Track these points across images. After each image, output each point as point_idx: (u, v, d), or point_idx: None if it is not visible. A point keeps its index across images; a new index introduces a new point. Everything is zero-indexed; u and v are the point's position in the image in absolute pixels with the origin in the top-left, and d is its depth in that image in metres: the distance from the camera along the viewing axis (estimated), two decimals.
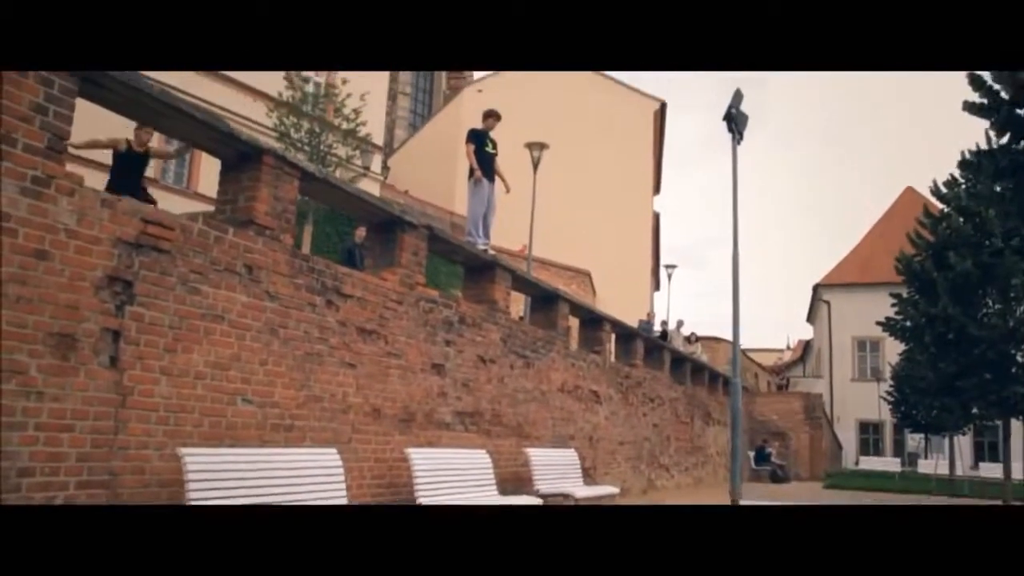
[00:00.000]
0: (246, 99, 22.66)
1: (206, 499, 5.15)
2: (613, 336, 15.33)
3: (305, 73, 19.72)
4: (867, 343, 42.18)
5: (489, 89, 36.54)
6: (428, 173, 38.03)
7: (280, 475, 5.88)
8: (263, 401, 6.41)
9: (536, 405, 11.16)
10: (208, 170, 18.76)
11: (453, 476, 8.14)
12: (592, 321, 14.22)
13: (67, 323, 4.81)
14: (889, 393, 33.04)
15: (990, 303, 16.38)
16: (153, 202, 6.83)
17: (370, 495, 7.66)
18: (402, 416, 8.22)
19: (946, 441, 32.86)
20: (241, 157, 6.27)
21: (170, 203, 18.78)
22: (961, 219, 16.26)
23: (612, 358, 15.30)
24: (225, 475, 5.36)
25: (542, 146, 18.71)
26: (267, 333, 6.41)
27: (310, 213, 17.75)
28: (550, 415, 11.63)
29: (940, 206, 17.23)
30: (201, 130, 5.96)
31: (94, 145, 8.46)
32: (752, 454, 25.17)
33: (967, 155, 15.84)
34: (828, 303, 43.60)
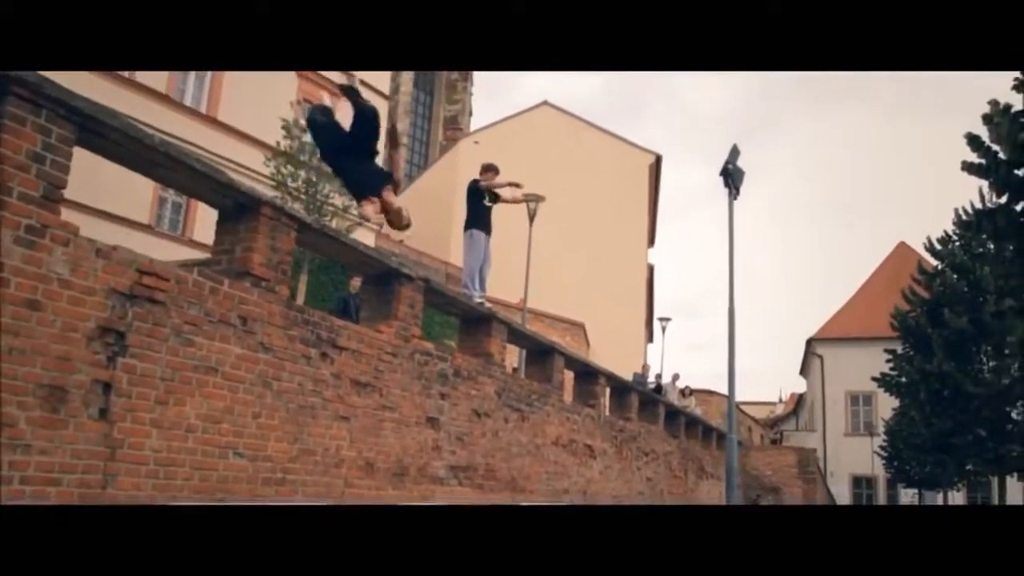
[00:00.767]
0: (244, 147, 22.74)
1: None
2: (608, 389, 15.23)
3: (302, 122, 19.80)
4: (860, 397, 42.08)
5: (485, 141, 36.88)
6: (423, 223, 37.87)
7: None
8: (255, 454, 6.28)
9: (530, 459, 11.02)
10: (204, 217, 18.78)
11: None
12: (587, 374, 14.13)
13: (58, 375, 4.72)
14: (882, 448, 32.90)
15: (984, 360, 16.38)
16: None
17: None
18: (395, 470, 8.08)
19: (940, 497, 32.62)
20: (239, 208, 6.24)
21: (165, 251, 18.74)
22: (955, 276, 16.34)
23: (606, 411, 15.18)
24: None
25: (538, 198, 18.77)
26: (260, 386, 6.32)
27: (305, 263, 17.70)
28: (544, 469, 11.49)
29: (934, 262, 17.31)
30: (200, 181, 5.93)
31: None
32: None
33: (963, 214, 16.00)
34: (821, 357, 43.57)
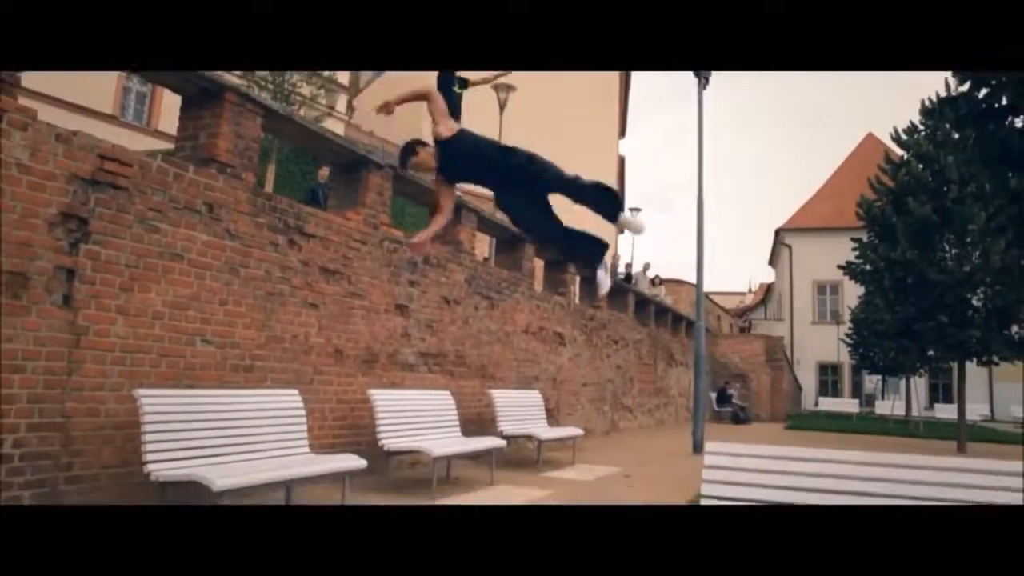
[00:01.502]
0: None
1: (162, 441, 5.07)
2: (578, 278, 15.38)
3: None
4: (827, 287, 42.83)
5: None
6: (396, 112, 37.35)
7: (240, 417, 5.82)
8: (223, 341, 6.36)
9: (500, 346, 11.21)
10: (169, 107, 18.29)
11: (416, 417, 8.13)
12: (557, 263, 14.24)
13: (19, 261, 4.71)
14: (848, 336, 33.64)
15: (947, 248, 16.65)
16: None
17: (332, 436, 7.68)
18: (365, 357, 8.21)
19: (902, 383, 33.65)
20: (203, 94, 6.11)
21: (129, 141, 18.34)
22: (920, 165, 16.45)
23: (576, 300, 15.38)
24: (183, 417, 5.28)
25: (509, 88, 18.48)
26: (227, 273, 6.34)
27: (273, 152, 17.40)
28: (514, 356, 11.71)
29: (900, 152, 17.38)
30: None
31: None
32: (714, 396, 25.60)
33: (927, 103, 15.97)
34: (790, 247, 44.08)
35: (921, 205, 15.39)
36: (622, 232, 10.41)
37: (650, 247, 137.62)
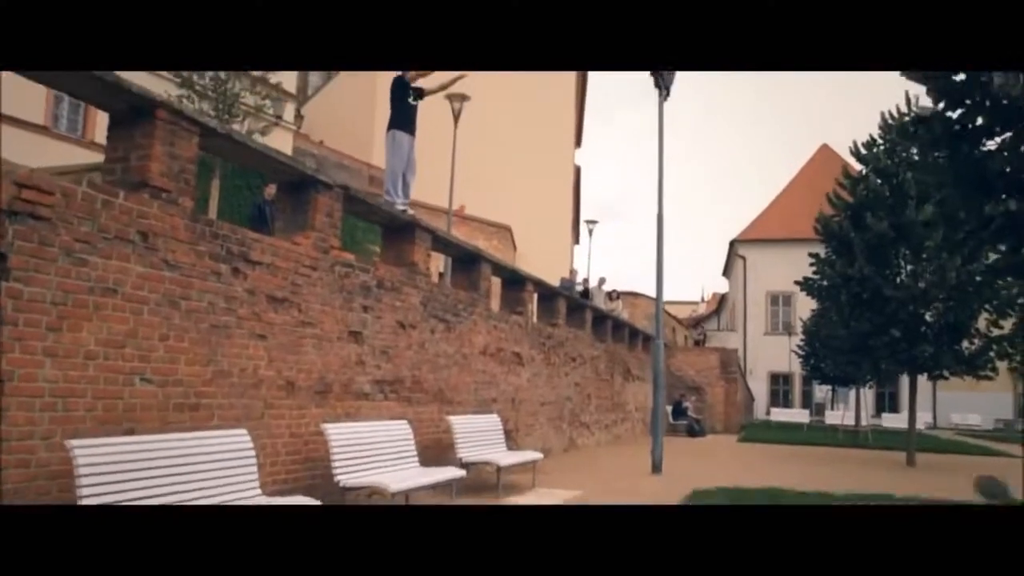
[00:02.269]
0: None
1: (100, 494, 4.63)
2: (535, 296, 15.08)
3: None
4: (780, 298, 43.22)
5: None
6: (345, 122, 36.75)
7: (184, 463, 5.36)
8: (164, 380, 5.88)
9: (458, 370, 10.84)
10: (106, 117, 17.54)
11: (372, 450, 7.79)
12: (514, 281, 13.91)
13: None
14: (800, 347, 33.98)
15: (902, 264, 16.71)
16: None
17: (285, 472, 7.24)
18: (318, 388, 7.78)
19: (851, 392, 34.03)
20: (132, 111, 5.62)
21: (63, 154, 17.49)
22: (879, 180, 16.47)
23: (534, 318, 15.07)
24: (121, 467, 4.83)
25: (463, 98, 18.13)
26: (167, 306, 5.86)
27: (216, 167, 16.71)
28: (472, 379, 11.34)
29: (859, 167, 17.42)
30: (84, 79, 5.29)
31: None
32: (669, 409, 25.49)
33: (889, 118, 15.99)
34: (744, 258, 44.40)
35: (879, 221, 15.38)
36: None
37: (605, 257, 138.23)
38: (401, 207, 9.85)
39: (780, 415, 36.50)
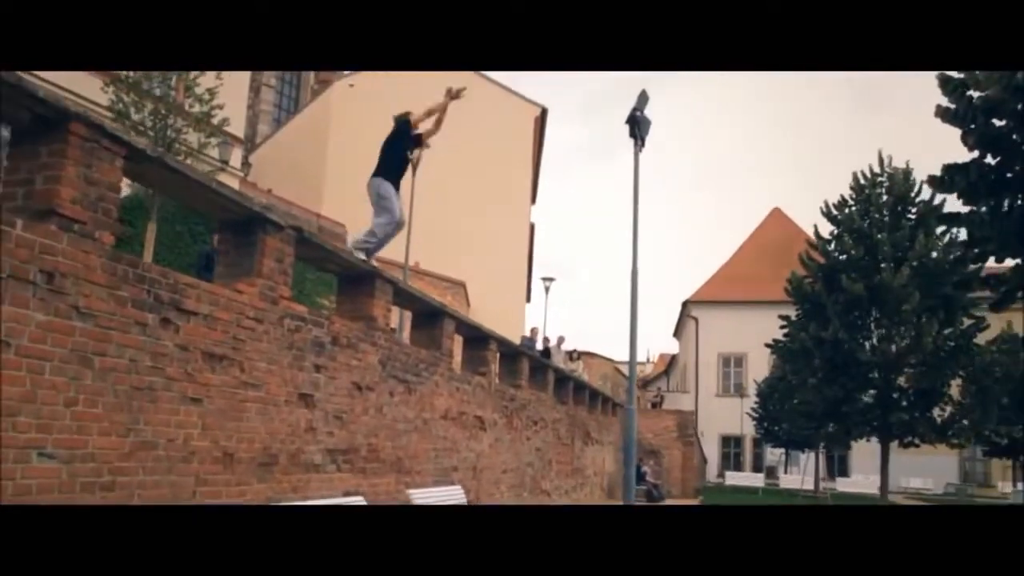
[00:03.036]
0: (78, 73, 19.90)
1: None
2: (498, 355, 14.11)
3: None
4: (732, 359, 43.02)
5: (361, 84, 34.55)
6: (294, 172, 35.52)
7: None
8: (71, 454, 4.75)
9: (417, 436, 9.77)
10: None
11: None
12: (477, 340, 12.94)
13: None
14: (753, 409, 33.51)
15: (874, 328, 16.24)
16: None
17: None
18: (261, 459, 6.66)
19: (803, 456, 33.59)
20: (40, 123, 4.55)
21: None
22: (852, 240, 16.01)
23: (496, 379, 14.08)
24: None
25: (425, 145, 17.29)
26: (76, 363, 4.76)
27: (154, 209, 15.36)
28: (432, 446, 10.27)
29: (829, 228, 16.99)
30: None
31: None
32: None
33: (861, 178, 15.58)
34: (696, 319, 44.15)
35: (854, 282, 14.85)
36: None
37: (553, 314, 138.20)
38: (362, 256, 8.86)
39: (734, 479, 35.94)
